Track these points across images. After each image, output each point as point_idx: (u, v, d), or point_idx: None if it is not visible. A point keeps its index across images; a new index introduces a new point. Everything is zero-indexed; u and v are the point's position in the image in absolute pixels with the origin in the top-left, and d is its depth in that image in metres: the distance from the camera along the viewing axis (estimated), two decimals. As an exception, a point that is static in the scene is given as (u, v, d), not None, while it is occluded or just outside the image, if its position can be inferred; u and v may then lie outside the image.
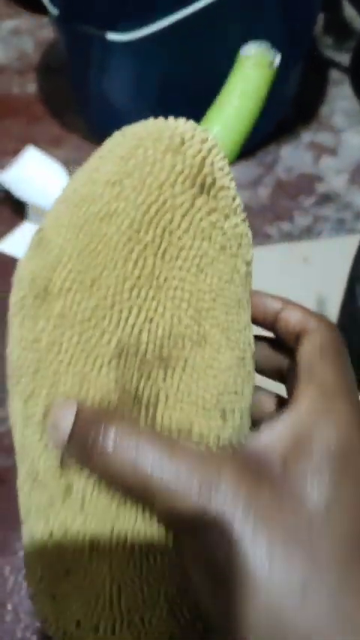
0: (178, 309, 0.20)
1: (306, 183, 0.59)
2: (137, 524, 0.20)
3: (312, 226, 0.55)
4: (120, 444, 0.18)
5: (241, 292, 0.22)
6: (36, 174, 0.57)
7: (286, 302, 0.24)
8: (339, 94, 0.69)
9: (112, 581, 0.20)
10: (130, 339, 0.20)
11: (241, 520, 0.17)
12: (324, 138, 0.64)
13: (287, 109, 0.63)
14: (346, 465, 0.19)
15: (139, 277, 0.20)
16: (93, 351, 0.20)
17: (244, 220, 0.23)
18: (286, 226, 0.55)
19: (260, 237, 0.54)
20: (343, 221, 0.56)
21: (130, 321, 0.20)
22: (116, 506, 0.20)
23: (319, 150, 0.63)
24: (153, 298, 0.20)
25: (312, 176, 0.60)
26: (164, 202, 0.20)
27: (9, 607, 0.36)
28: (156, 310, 0.20)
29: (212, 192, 0.21)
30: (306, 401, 0.20)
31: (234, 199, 0.22)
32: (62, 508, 0.21)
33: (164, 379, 0.20)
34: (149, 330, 0.20)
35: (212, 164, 0.21)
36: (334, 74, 0.72)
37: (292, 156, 0.62)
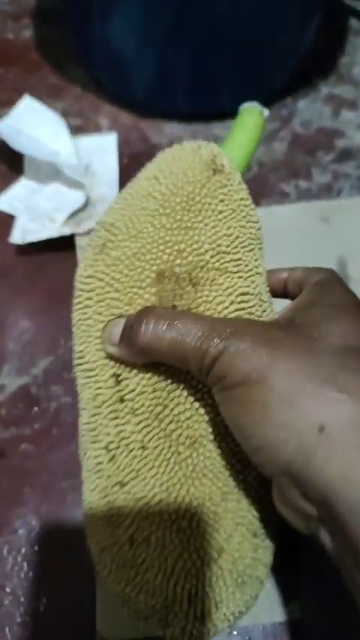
0: (202, 246, 0.26)
1: (324, 138, 0.55)
2: (179, 424, 0.25)
3: (331, 184, 0.51)
4: (157, 323, 0.24)
5: (252, 243, 0.28)
6: (33, 125, 0.52)
7: (290, 268, 0.29)
8: None
9: (161, 484, 0.25)
10: (167, 265, 0.26)
11: (258, 346, 0.22)
12: (344, 90, 0.59)
13: (304, 60, 0.58)
14: (343, 312, 0.24)
15: (171, 225, 0.27)
16: (139, 278, 0.26)
17: (251, 202, 0.28)
18: (303, 184, 0.51)
19: (277, 195, 0.50)
20: (365, 179, 0.52)
21: (166, 252, 0.26)
22: (162, 409, 0.25)
23: (339, 103, 0.58)
24: (182, 238, 0.26)
25: (331, 131, 0.56)
26: (187, 179, 0.27)
27: (8, 589, 0.33)
28: (185, 245, 0.26)
29: (223, 175, 0.28)
30: (306, 292, 0.27)
31: (240, 184, 0.28)
32: (115, 421, 0.25)
33: (195, 293, 0.26)
34: (181, 258, 0.26)
35: (221, 159, 0.28)
36: (354, 24, 0.67)
37: (309, 109, 0.57)
